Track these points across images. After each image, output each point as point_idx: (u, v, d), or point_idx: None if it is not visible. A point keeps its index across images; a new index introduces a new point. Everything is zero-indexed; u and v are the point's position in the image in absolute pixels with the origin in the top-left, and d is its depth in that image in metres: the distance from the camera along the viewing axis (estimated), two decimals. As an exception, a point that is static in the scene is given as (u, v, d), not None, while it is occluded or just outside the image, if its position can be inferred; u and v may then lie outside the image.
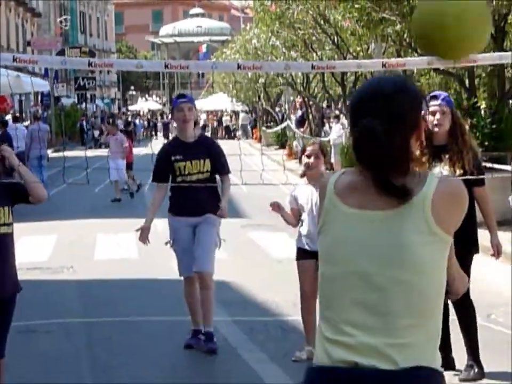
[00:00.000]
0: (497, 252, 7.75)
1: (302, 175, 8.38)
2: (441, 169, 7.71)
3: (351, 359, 2.47)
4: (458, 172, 7.55)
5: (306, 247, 7.87)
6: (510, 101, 20.16)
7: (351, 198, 2.58)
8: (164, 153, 8.50)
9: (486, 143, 16.18)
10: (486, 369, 7.56)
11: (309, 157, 8.22)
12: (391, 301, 2.53)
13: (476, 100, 18.12)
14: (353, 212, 2.55)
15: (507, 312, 9.73)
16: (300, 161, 9.17)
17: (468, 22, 4.53)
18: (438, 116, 7.69)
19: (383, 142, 2.47)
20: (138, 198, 23.37)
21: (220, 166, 8.37)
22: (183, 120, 8.31)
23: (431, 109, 7.70)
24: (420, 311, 2.56)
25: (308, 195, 8.11)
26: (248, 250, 13.34)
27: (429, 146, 7.52)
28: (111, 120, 37.95)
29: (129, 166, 24.18)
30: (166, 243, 8.46)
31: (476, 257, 7.75)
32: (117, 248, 14.99)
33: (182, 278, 8.50)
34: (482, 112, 18.18)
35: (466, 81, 19.20)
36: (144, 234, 8.27)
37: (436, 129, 7.69)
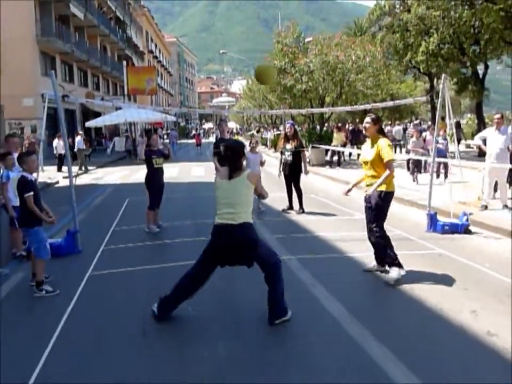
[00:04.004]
0: (305, 172, 10.63)
1: (251, 148, 9.95)
2: (290, 145, 10.47)
3: (222, 222, 4.56)
4: (294, 145, 10.39)
5: None
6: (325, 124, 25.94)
7: (219, 176, 4.76)
8: (215, 142, 9.77)
9: (317, 138, 22.52)
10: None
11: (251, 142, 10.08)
12: (236, 205, 4.56)
13: (314, 124, 25.58)
14: (221, 181, 4.68)
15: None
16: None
17: (262, 76, 7.50)
18: (288, 128, 10.60)
19: (234, 163, 4.65)
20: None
21: None
22: (221, 131, 9.88)
23: (287, 126, 10.84)
24: (245, 205, 4.60)
25: (247, 154, 9.38)
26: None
27: (286, 138, 10.63)
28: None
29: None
30: None
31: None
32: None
33: None
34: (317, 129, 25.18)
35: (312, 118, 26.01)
36: None
37: (288, 133, 10.55)
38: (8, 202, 7.08)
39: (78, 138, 23.82)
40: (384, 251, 5.98)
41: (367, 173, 6.16)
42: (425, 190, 9.57)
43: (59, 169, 21.97)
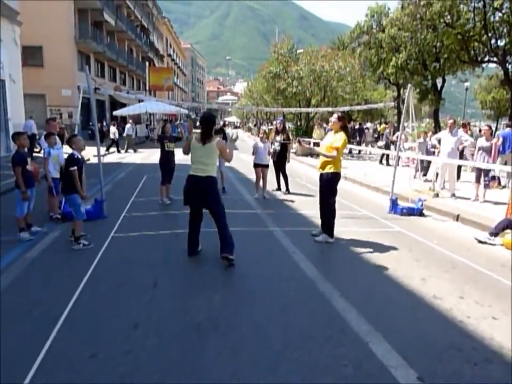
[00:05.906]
0: (287, 160, 10.31)
1: (260, 138, 9.85)
2: (279, 138, 10.07)
3: (195, 174, 4.98)
4: (282, 138, 10.04)
5: (257, 161, 9.76)
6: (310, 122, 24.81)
7: (198, 140, 4.99)
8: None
9: (303, 133, 22.51)
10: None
11: (261, 133, 9.98)
12: (207, 164, 4.96)
13: (300, 123, 25.15)
14: (197, 144, 5.01)
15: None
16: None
17: None
18: (279, 124, 10.19)
19: (208, 131, 4.97)
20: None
21: None
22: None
23: (277, 122, 10.33)
24: (212, 164, 4.99)
25: (258, 144, 9.77)
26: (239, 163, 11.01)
27: (277, 131, 10.21)
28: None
29: None
30: None
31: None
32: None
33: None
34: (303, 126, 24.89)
35: (300, 117, 25.41)
36: None
37: (278, 127, 10.16)
38: (48, 173, 7.08)
39: (128, 126, 23.37)
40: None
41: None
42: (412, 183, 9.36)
43: (118, 151, 21.72)
